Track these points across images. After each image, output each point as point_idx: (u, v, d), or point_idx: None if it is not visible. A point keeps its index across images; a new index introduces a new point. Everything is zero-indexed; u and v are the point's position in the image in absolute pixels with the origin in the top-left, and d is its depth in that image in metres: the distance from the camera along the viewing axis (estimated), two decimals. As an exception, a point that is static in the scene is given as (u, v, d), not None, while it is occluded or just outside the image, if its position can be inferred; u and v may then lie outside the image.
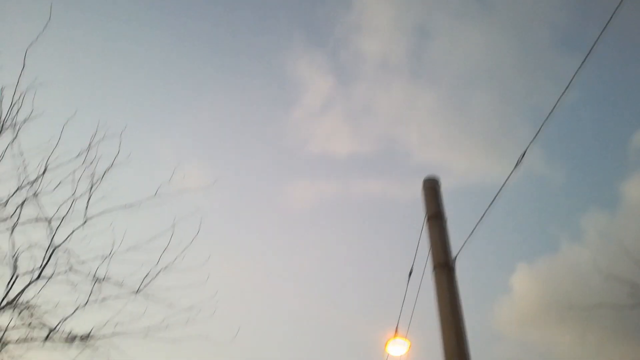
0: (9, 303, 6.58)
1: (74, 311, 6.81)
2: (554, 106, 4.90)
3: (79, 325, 6.92)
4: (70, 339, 6.76)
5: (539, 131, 5.13)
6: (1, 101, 6.83)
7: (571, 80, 4.64)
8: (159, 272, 7.22)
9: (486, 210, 5.79)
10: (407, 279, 7.15)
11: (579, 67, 4.52)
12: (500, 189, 5.67)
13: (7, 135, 6.84)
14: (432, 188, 6.51)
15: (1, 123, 6.84)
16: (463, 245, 5.97)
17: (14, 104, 6.85)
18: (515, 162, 5.33)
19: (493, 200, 5.74)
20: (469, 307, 5.78)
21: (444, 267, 5.89)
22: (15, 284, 6.66)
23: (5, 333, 6.54)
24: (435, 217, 6.25)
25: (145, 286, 7.15)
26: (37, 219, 6.87)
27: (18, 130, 6.86)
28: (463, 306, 5.79)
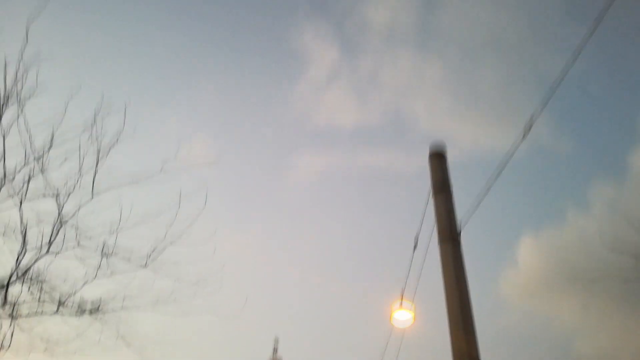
0: (19, 276, 6.68)
1: (83, 284, 6.90)
2: (562, 76, 4.85)
3: (88, 297, 7.02)
4: (80, 311, 6.87)
5: (546, 102, 5.08)
6: (5, 77, 6.80)
7: (579, 50, 4.58)
8: (167, 245, 7.28)
9: (493, 181, 5.78)
10: (413, 249, 7.19)
11: (587, 37, 4.46)
12: (507, 160, 5.65)
13: (12, 110, 6.84)
14: (438, 158, 6.49)
15: (6, 98, 6.83)
16: (469, 217, 5.97)
17: (18, 80, 6.83)
18: (523, 133, 5.30)
19: (500, 171, 5.72)
20: (473, 277, 5.82)
21: (450, 237, 5.91)
22: (24, 257, 6.75)
23: (17, 305, 6.65)
24: (442, 188, 6.24)
25: (152, 259, 7.22)
26: (44, 194, 6.91)
27: (23, 106, 6.85)
28: (468, 276, 5.83)
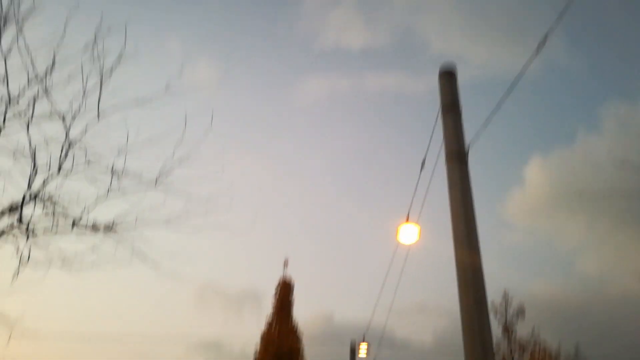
0: (32, 197, 6.83)
1: (96, 201, 7.04)
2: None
3: (102, 216, 7.21)
4: (95, 229, 7.08)
5: (562, 15, 4.87)
6: None
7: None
8: (175, 166, 7.35)
9: (503, 101, 5.67)
10: (420, 168, 7.21)
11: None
12: (519, 78, 5.51)
13: (12, 31, 6.69)
14: (448, 78, 6.36)
15: (4, 18, 6.67)
16: (477, 135, 5.93)
17: (15, -1, 6.62)
18: (536, 49, 5.13)
19: (510, 90, 5.60)
20: (480, 196, 5.89)
21: (457, 156, 5.90)
22: (36, 180, 6.87)
23: (33, 225, 6.85)
24: (450, 107, 6.16)
25: (162, 180, 7.32)
26: (50, 115, 6.90)
27: (22, 26, 6.69)
28: (474, 195, 5.89)
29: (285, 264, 20.90)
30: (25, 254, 6.72)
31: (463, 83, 6.43)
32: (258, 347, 19.25)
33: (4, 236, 6.69)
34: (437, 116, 6.30)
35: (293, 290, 20.60)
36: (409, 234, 7.42)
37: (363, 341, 22.05)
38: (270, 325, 19.73)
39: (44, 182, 6.90)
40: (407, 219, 7.49)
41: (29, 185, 6.80)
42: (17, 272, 6.65)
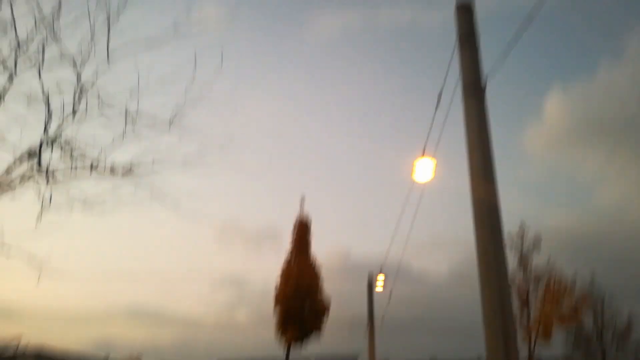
0: (49, 143, 6.91)
1: (112, 144, 7.10)
2: None
3: (119, 159, 7.30)
4: (113, 173, 7.18)
5: None
6: None
7: None
8: (187, 108, 7.33)
9: (521, 29, 5.45)
10: (436, 105, 7.09)
11: None
12: (539, 5, 5.27)
13: None
14: (465, 10, 6.14)
15: None
16: (495, 67, 5.76)
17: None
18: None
19: (530, 19, 5.37)
20: (498, 129, 5.81)
21: (474, 89, 5.79)
22: (51, 126, 6.93)
23: (53, 169, 6.98)
24: (467, 39, 5.97)
25: (176, 119, 7.32)
26: (60, 59, 6.86)
27: None
28: (492, 128, 5.81)
29: (302, 201, 21.10)
30: (47, 197, 6.89)
31: (480, 14, 6.20)
32: (278, 283, 19.84)
33: (26, 181, 6.84)
34: (454, 49, 6.12)
35: (310, 227, 20.96)
36: (425, 168, 7.41)
37: (380, 274, 22.61)
38: (289, 262, 20.25)
39: (59, 126, 6.96)
40: (423, 154, 7.45)
41: (45, 130, 6.87)
42: (41, 216, 6.83)
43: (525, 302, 15.46)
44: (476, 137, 5.70)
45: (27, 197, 6.91)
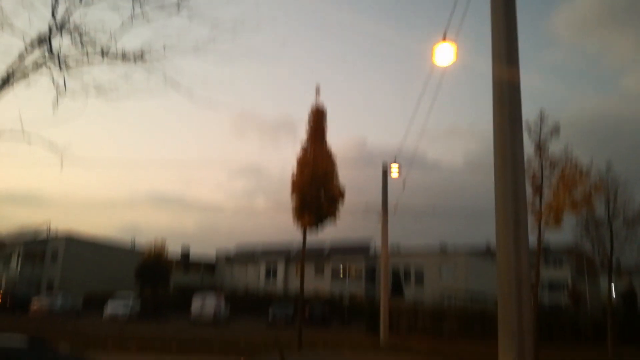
0: (59, 28, 6.74)
1: (121, 29, 6.90)
2: None
3: (130, 45, 7.13)
4: (125, 57, 7.05)
5: None
6: None
7: None
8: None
9: None
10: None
11: None
12: None
13: None
14: None
15: None
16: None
17: None
18: None
19: None
20: (524, 12, 5.49)
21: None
22: (59, 8, 6.70)
23: (65, 55, 6.87)
24: None
25: (184, 1, 7.02)
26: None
27: None
28: (517, 10, 5.50)
29: (318, 90, 20.74)
30: (61, 84, 6.85)
31: None
32: (295, 171, 20.17)
33: (39, 68, 6.77)
34: None
35: (326, 116, 20.80)
36: (445, 54, 7.11)
37: (394, 162, 22.82)
38: (305, 150, 20.38)
39: (66, 10, 6.73)
40: (444, 38, 7.12)
41: (53, 15, 6.66)
42: (57, 102, 6.84)
43: (538, 189, 15.58)
44: (501, 17, 5.43)
45: (41, 85, 6.89)
